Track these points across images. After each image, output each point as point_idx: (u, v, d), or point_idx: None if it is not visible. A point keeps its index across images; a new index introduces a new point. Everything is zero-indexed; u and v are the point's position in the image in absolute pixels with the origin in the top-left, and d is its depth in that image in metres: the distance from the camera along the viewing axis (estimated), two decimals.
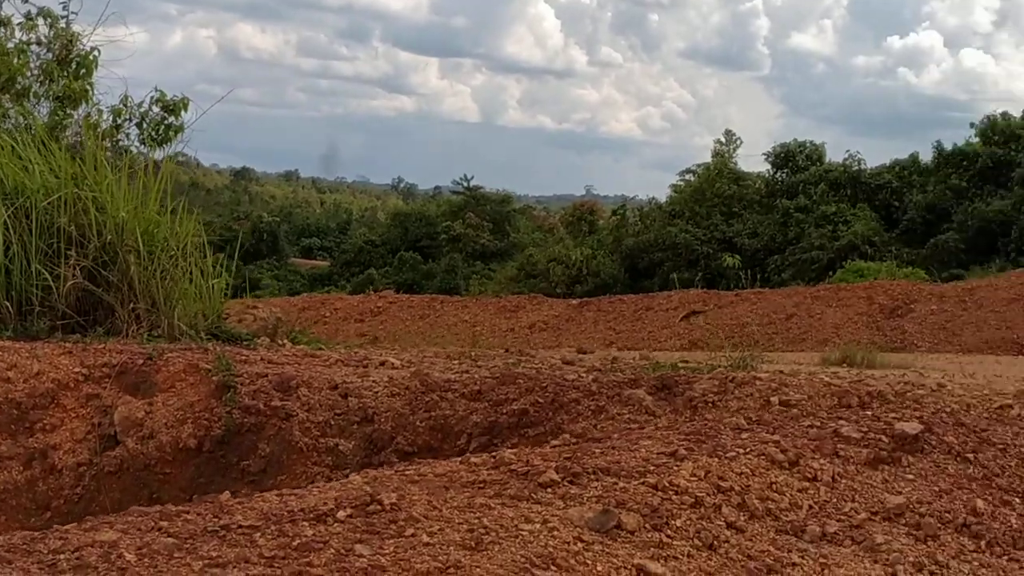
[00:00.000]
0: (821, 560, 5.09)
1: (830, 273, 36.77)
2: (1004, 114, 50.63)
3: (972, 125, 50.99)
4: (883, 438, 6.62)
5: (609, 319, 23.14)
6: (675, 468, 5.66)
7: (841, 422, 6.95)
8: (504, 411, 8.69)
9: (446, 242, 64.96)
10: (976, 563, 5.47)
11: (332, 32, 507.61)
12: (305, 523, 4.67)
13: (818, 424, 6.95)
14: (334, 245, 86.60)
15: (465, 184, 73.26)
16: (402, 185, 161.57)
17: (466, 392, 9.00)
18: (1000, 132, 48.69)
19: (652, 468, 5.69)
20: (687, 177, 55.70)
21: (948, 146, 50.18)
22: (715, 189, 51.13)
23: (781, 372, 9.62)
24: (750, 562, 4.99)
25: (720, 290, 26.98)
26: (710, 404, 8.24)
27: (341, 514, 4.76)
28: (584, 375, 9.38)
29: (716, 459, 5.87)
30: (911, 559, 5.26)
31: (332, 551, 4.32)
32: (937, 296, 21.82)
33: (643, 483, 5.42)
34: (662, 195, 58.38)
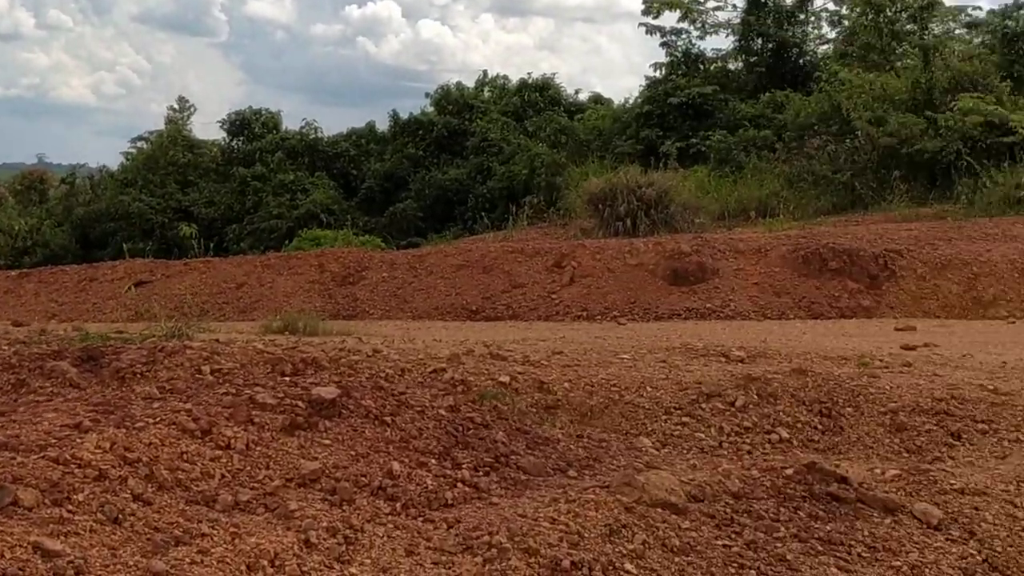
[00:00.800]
0: (232, 529, 5.05)
1: (287, 242, 36.88)
2: (458, 84, 52.56)
3: (427, 95, 52.66)
4: (300, 404, 6.67)
5: (51, 291, 22.23)
6: (79, 441, 5.48)
7: (257, 388, 6.95)
8: None
9: None
10: (391, 525, 5.59)
11: None
12: None
13: (233, 391, 6.92)
14: None
15: None
16: None
17: None
18: (454, 102, 50.38)
19: (54, 441, 5.48)
20: (140, 144, 54.35)
21: (405, 115, 51.48)
22: (169, 157, 49.97)
23: (217, 341, 9.56)
24: (157, 534, 4.89)
25: (173, 260, 26.42)
26: (139, 375, 8.08)
27: None
28: (6, 348, 8.97)
29: (124, 430, 5.71)
30: (325, 524, 5.31)
31: None
32: (389, 263, 22.27)
33: (43, 457, 5.21)
34: (118, 163, 56.71)
